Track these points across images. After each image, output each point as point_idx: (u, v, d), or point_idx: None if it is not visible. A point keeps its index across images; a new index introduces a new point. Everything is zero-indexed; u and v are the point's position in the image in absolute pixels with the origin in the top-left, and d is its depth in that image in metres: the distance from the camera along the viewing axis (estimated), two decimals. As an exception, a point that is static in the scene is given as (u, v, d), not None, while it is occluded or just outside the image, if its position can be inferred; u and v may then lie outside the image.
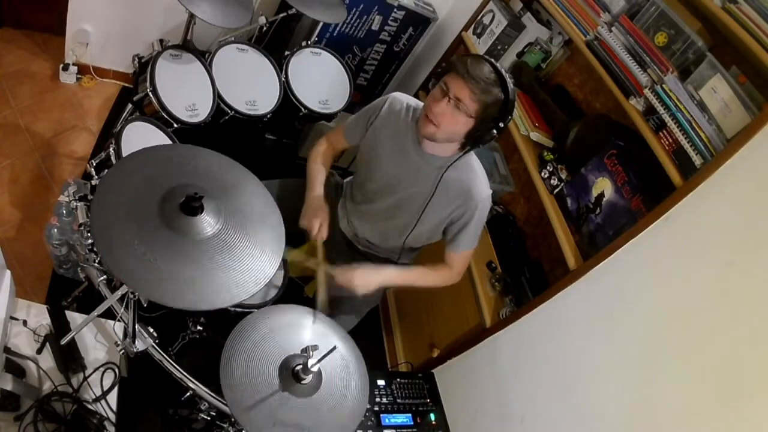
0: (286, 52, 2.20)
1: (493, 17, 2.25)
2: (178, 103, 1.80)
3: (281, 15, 2.16)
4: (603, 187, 1.57)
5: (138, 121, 1.68)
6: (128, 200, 1.00)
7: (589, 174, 1.63)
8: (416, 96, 2.43)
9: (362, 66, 2.74)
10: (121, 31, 2.38)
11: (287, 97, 2.12)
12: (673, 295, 1.27)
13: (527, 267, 1.90)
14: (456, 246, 1.47)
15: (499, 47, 2.23)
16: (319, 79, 2.24)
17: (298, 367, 1.07)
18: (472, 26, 2.38)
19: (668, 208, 1.30)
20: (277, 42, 2.36)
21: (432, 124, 1.29)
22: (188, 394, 1.28)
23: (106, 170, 1.51)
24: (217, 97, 1.92)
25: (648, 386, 1.26)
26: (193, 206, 1.01)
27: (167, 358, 1.27)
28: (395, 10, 2.50)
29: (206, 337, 1.62)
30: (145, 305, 1.19)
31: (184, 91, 1.85)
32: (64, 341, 1.14)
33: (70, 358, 1.29)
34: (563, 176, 1.75)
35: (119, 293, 1.08)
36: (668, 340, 1.25)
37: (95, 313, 1.10)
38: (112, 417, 1.29)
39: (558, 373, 1.53)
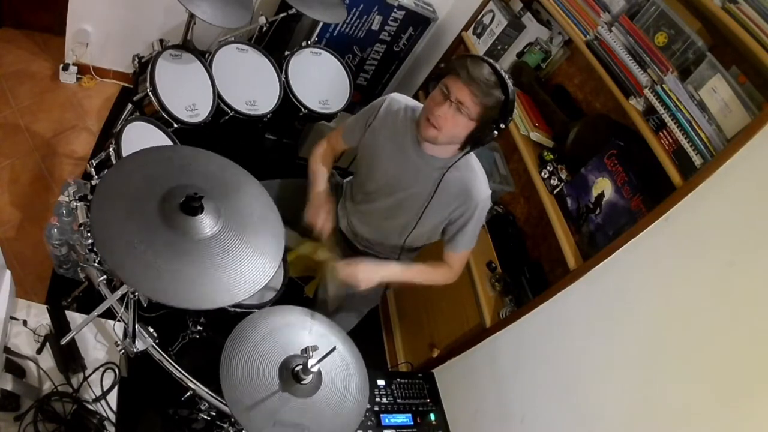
0: (286, 52, 2.20)
1: (493, 17, 2.25)
2: (178, 103, 1.80)
3: (281, 15, 2.16)
4: (603, 187, 1.57)
5: (138, 121, 1.68)
6: (128, 200, 1.00)
7: (589, 174, 1.63)
8: (416, 96, 2.44)
9: (362, 66, 2.74)
10: (121, 31, 2.38)
11: (287, 97, 2.12)
12: (673, 295, 1.27)
13: (527, 267, 1.89)
14: (455, 246, 1.47)
15: (499, 47, 2.23)
16: (319, 79, 2.24)
17: (298, 368, 1.07)
18: (472, 26, 2.38)
19: (668, 208, 1.30)
20: (277, 42, 2.36)
21: (433, 127, 1.28)
22: (188, 394, 1.28)
23: (106, 170, 1.51)
24: (217, 97, 1.92)
25: (648, 386, 1.26)
26: (193, 206, 1.01)
27: (167, 358, 1.27)
28: (395, 10, 2.50)
29: (206, 337, 1.62)
30: (145, 305, 1.19)
31: (184, 91, 1.85)
32: (64, 341, 1.14)
33: (70, 358, 1.29)
34: (563, 176, 1.75)
35: (119, 293, 1.08)
36: (668, 340, 1.25)
37: (95, 313, 1.10)
38: (112, 417, 1.29)
39: (558, 373, 1.53)
